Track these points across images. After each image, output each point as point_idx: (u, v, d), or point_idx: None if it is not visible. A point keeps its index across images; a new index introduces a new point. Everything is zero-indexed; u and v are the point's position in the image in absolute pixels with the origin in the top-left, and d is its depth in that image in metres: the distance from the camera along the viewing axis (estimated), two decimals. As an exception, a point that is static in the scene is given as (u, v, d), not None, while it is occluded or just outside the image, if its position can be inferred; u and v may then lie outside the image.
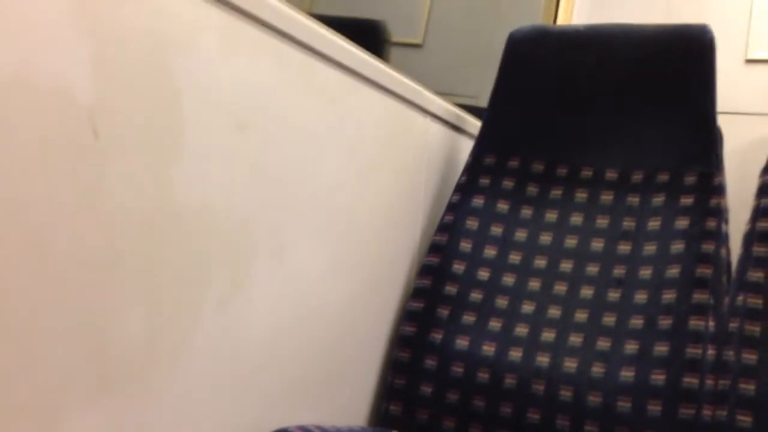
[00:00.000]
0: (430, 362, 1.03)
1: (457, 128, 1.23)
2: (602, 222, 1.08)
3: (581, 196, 1.11)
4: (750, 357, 0.92)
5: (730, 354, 0.93)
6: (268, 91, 0.77)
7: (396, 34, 1.93)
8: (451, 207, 1.13)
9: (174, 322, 0.68)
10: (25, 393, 0.55)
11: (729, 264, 1.02)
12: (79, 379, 0.59)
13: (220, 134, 0.71)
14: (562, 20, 1.89)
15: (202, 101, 0.68)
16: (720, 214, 1.02)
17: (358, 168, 0.95)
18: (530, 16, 1.98)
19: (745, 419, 0.89)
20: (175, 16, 0.64)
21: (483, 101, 1.23)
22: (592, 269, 1.05)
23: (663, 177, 1.08)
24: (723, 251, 1.00)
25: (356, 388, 1.02)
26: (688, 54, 1.09)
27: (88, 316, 0.59)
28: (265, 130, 0.77)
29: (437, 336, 1.04)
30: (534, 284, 1.06)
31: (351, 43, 0.90)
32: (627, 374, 0.95)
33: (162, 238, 0.65)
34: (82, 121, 0.56)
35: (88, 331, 0.59)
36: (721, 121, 1.09)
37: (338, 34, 0.88)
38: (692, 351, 0.94)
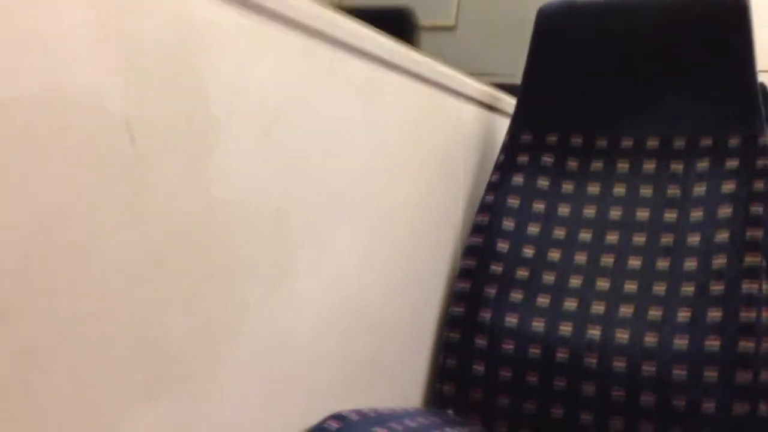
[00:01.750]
0: (480, 341, 1.04)
1: (492, 108, 1.23)
2: (646, 191, 1.07)
3: (623, 166, 1.10)
4: (807, 317, 0.90)
5: (785, 315, 0.91)
6: (297, 86, 0.78)
7: (427, 17, 1.93)
8: (491, 186, 1.13)
9: (221, 317, 0.70)
10: (81, 395, 0.57)
11: (780, 225, 1.00)
12: (131, 380, 0.61)
13: (252, 130, 0.72)
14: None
15: (232, 99, 0.69)
16: (767, 175, 1.00)
17: (392, 154, 0.96)
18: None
19: (805, 380, 0.88)
20: (202, 21, 0.66)
21: (520, 79, 1.22)
22: (639, 239, 1.04)
23: (706, 141, 1.06)
24: (773, 212, 0.98)
25: (408, 370, 1.03)
26: (723, 13, 1.07)
27: (137, 318, 0.61)
28: (296, 122, 0.78)
29: (486, 315, 1.04)
30: (580, 258, 1.05)
31: (378, 32, 0.91)
32: (681, 342, 0.94)
33: (203, 236, 0.67)
34: (117, 128, 0.58)
35: (137, 332, 0.61)
36: (764, 79, 1.06)
37: (365, 25, 0.88)
38: (746, 315, 0.92)
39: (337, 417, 0.82)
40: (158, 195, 0.62)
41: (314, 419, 0.81)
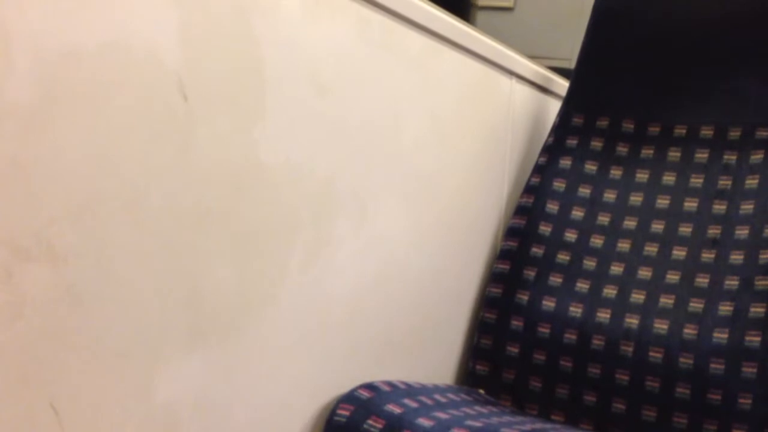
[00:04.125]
0: (516, 323, 1.03)
1: (544, 89, 1.21)
2: (696, 181, 1.05)
3: (674, 155, 1.08)
4: None
5: (833, 316, 0.89)
6: (349, 53, 0.78)
7: (485, -3, 1.92)
8: (538, 169, 1.12)
9: (262, 276, 0.71)
10: (124, 341, 0.59)
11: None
12: (174, 329, 0.63)
13: (303, 95, 0.73)
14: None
15: (285, 64, 0.70)
16: (824, 170, 0.97)
17: (441, 130, 0.96)
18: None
19: None
20: (257, -18, 0.66)
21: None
22: (685, 229, 1.02)
23: (762, 133, 1.03)
24: (827, 209, 0.95)
25: (442, 347, 1.04)
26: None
27: (181, 269, 0.63)
28: (347, 91, 0.79)
29: (523, 297, 1.04)
30: (623, 245, 1.04)
31: (433, 5, 0.91)
32: (720, 336, 0.92)
33: (249, 196, 0.68)
34: (171, 83, 0.60)
35: (182, 283, 0.63)
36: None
37: (421, -2, 0.88)
38: (791, 312, 0.90)
39: (368, 386, 0.83)
40: (207, 151, 0.63)
41: (346, 387, 0.82)
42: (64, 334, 0.54)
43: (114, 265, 0.57)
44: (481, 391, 1.03)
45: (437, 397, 0.88)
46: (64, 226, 0.53)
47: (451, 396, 0.92)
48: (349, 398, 0.81)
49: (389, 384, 0.85)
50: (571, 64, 1.21)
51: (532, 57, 1.16)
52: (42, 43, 0.51)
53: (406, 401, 0.82)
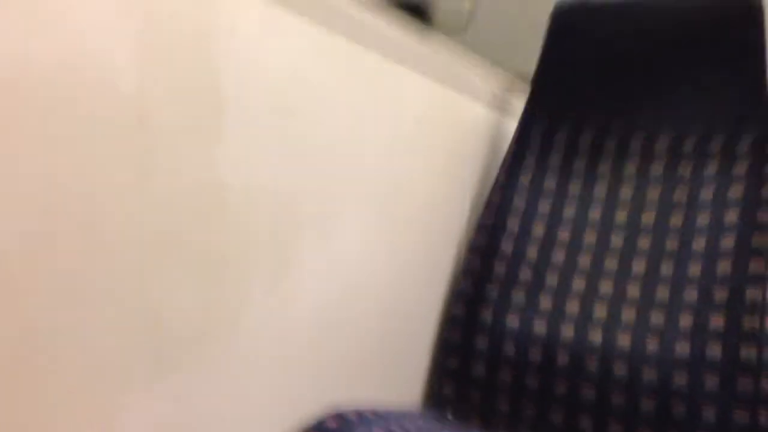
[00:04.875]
0: (481, 342, 1.03)
1: (502, 108, 1.22)
2: (653, 194, 1.06)
3: (631, 168, 1.09)
4: (811, 327, 0.90)
5: (789, 324, 0.91)
6: (308, 73, 0.78)
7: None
8: (498, 186, 1.12)
9: (224, 302, 0.70)
10: (84, 374, 0.57)
11: (787, 232, 0.99)
12: (137, 359, 0.61)
13: (263, 116, 0.72)
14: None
15: (244, 84, 0.69)
16: (776, 180, 0.99)
17: (402, 148, 0.96)
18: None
19: (807, 391, 0.87)
20: (216, 1, 0.65)
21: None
22: (644, 242, 1.03)
23: (715, 144, 1.05)
24: (780, 219, 0.97)
25: (408, 368, 1.03)
26: (737, 15, 1.06)
27: (142, 296, 0.61)
28: (307, 111, 0.78)
29: (487, 315, 1.04)
30: (584, 260, 1.05)
31: (390, 23, 0.90)
32: (682, 348, 0.93)
33: (209, 219, 0.67)
34: (128, 105, 0.58)
35: (143, 310, 0.61)
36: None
37: (378, 17, 0.87)
38: (750, 322, 0.91)
39: (336, 417, 0.81)
40: (165, 174, 0.62)
41: (313, 410, 0.81)
42: (24, 368, 0.52)
43: (73, 295, 0.55)
44: (449, 416, 1.03)
45: (406, 424, 0.88)
46: (15, 261, 0.51)
47: (419, 423, 0.91)
48: (317, 428, 0.79)
49: (357, 413, 0.84)
50: (529, 71, 1.21)
51: (492, 63, 1.16)
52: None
53: (376, 430, 0.81)
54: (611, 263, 1.03)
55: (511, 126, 1.21)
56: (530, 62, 1.20)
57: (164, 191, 0.62)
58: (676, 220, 1.03)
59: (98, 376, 0.58)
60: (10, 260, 0.51)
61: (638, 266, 1.02)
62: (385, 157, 0.92)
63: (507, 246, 1.08)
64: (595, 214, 1.07)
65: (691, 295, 0.96)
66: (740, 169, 1.01)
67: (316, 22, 0.78)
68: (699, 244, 1.00)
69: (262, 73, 0.71)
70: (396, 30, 0.91)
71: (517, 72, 1.26)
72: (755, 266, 0.94)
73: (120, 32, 0.57)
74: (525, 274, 1.06)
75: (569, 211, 1.09)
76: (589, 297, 1.02)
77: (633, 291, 1.00)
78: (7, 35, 0.49)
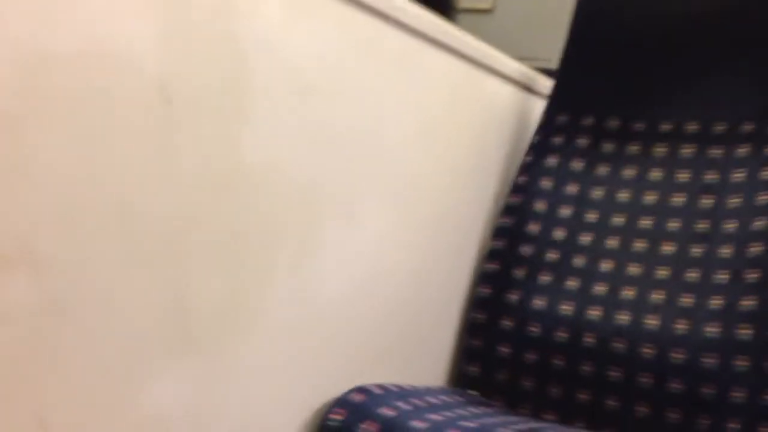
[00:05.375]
0: (506, 323, 1.03)
1: (528, 89, 1.21)
2: (683, 176, 1.05)
3: (660, 150, 1.07)
4: None
5: (822, 307, 0.89)
6: (332, 54, 0.77)
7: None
8: (525, 167, 1.12)
9: (249, 281, 0.70)
10: (111, 351, 0.58)
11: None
12: (160, 338, 0.61)
13: (287, 97, 0.72)
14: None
15: (267, 65, 0.69)
16: (809, 162, 0.97)
17: (426, 130, 0.95)
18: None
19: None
20: (239, -18, 0.65)
21: (557, 64, 1.20)
22: (673, 225, 1.02)
23: (747, 127, 1.03)
24: (814, 201, 0.96)
25: (433, 349, 1.03)
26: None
27: (167, 275, 0.61)
28: (332, 92, 0.78)
29: (513, 296, 1.03)
30: (612, 242, 1.04)
31: (416, 4, 0.90)
32: (712, 330, 0.92)
33: (233, 201, 0.67)
34: (152, 88, 0.58)
35: (168, 291, 0.62)
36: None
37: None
38: (782, 304, 0.90)
39: (360, 390, 0.82)
40: (190, 156, 0.62)
41: (338, 391, 0.81)
42: (48, 345, 0.53)
43: (98, 273, 0.56)
44: (474, 393, 1.02)
45: (430, 399, 0.87)
46: (46, 234, 0.52)
47: (443, 398, 0.91)
48: (342, 402, 0.79)
49: (381, 387, 0.84)
50: (552, 65, 1.21)
51: (514, 59, 1.16)
52: (20, 49, 0.49)
53: (399, 404, 0.81)
54: (640, 245, 1.02)
55: (539, 106, 1.20)
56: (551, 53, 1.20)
57: (188, 171, 0.62)
58: (706, 202, 1.01)
59: (120, 355, 0.58)
60: (38, 237, 0.51)
61: (667, 248, 1.00)
62: (410, 138, 0.92)
63: (534, 228, 1.07)
64: (623, 196, 1.06)
65: (721, 277, 0.95)
66: (773, 150, 1.00)
67: (341, 1, 0.77)
68: (730, 226, 0.98)
69: (285, 53, 0.71)
70: (421, 10, 0.91)
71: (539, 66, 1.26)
72: (788, 248, 0.93)
73: (142, 13, 0.57)
74: (552, 255, 1.05)
75: (597, 193, 1.08)
76: (617, 279, 1.00)
77: (662, 273, 0.99)
78: (30, 18, 0.50)
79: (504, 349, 1.02)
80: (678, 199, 1.03)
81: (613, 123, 1.11)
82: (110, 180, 0.56)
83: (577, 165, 1.10)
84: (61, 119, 0.52)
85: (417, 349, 0.99)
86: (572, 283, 1.02)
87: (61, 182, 0.53)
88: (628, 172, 1.08)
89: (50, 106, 0.51)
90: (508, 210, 1.09)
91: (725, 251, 0.96)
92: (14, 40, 0.49)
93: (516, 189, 1.11)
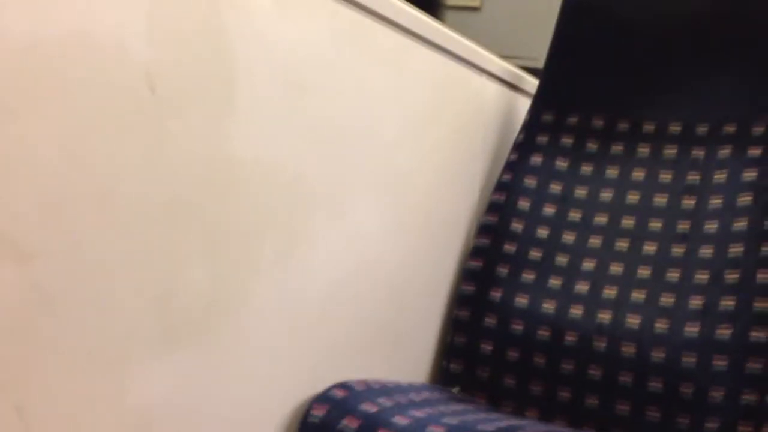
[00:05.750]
0: (489, 320, 1.03)
1: (514, 87, 1.21)
2: (665, 177, 1.05)
3: (643, 150, 1.08)
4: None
5: (800, 308, 0.90)
6: (322, 48, 0.77)
7: (453, -4, 1.92)
8: (509, 166, 1.12)
9: (233, 275, 0.70)
10: (94, 342, 0.57)
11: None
12: (145, 330, 0.61)
13: (275, 90, 0.72)
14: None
15: (256, 58, 0.69)
16: (790, 164, 0.98)
17: (414, 126, 0.95)
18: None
19: (816, 374, 0.87)
20: (227, -25, 0.65)
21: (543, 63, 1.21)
22: (655, 225, 1.03)
23: (729, 128, 1.04)
24: (793, 203, 0.97)
25: (416, 345, 1.03)
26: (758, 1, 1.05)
27: (153, 267, 0.61)
28: (320, 87, 0.78)
29: (496, 294, 1.04)
30: (595, 241, 1.04)
31: (405, 2, 0.90)
32: (691, 329, 0.93)
33: (220, 192, 0.67)
34: (139, 76, 0.58)
35: (153, 282, 0.61)
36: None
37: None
38: (760, 305, 0.91)
39: (342, 386, 0.82)
40: (177, 146, 0.62)
41: (320, 387, 0.81)
42: (31, 335, 0.53)
43: (83, 263, 0.56)
44: (456, 390, 1.03)
45: (412, 395, 0.88)
46: (31, 224, 0.52)
47: (426, 394, 0.91)
48: (324, 398, 0.80)
49: (363, 383, 0.84)
50: (539, 64, 1.21)
51: (500, 56, 1.16)
52: (5, 37, 0.49)
53: (381, 400, 0.81)
54: (622, 245, 1.03)
55: (525, 104, 1.21)
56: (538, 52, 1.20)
57: (175, 162, 0.62)
58: (688, 202, 1.02)
59: (106, 346, 0.58)
60: (22, 227, 0.51)
61: (649, 248, 1.01)
62: (397, 134, 0.92)
63: (517, 226, 1.08)
64: (606, 195, 1.07)
65: (701, 277, 0.96)
66: (754, 152, 1.01)
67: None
68: (711, 226, 0.99)
69: (274, 46, 0.71)
70: (410, 7, 0.91)
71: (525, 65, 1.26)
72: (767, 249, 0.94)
73: (131, 4, 0.57)
74: (535, 254, 1.05)
75: (580, 192, 1.08)
76: (598, 278, 1.01)
77: (643, 272, 1.00)
78: (15, 6, 0.49)
79: (487, 347, 1.03)
80: (660, 200, 1.04)
81: (598, 122, 1.12)
82: (95, 171, 0.56)
83: (561, 164, 1.11)
84: (45, 108, 0.52)
85: (400, 345, 0.99)
86: (555, 282, 1.03)
87: (44, 172, 0.52)
88: (612, 172, 1.09)
89: (34, 94, 0.51)
90: (492, 207, 1.10)
91: (706, 252, 0.97)
92: (-1, 30, 0.48)
93: (500, 187, 1.11)
